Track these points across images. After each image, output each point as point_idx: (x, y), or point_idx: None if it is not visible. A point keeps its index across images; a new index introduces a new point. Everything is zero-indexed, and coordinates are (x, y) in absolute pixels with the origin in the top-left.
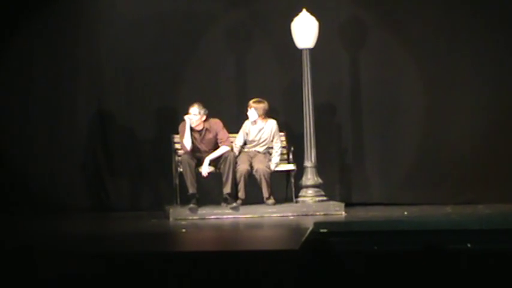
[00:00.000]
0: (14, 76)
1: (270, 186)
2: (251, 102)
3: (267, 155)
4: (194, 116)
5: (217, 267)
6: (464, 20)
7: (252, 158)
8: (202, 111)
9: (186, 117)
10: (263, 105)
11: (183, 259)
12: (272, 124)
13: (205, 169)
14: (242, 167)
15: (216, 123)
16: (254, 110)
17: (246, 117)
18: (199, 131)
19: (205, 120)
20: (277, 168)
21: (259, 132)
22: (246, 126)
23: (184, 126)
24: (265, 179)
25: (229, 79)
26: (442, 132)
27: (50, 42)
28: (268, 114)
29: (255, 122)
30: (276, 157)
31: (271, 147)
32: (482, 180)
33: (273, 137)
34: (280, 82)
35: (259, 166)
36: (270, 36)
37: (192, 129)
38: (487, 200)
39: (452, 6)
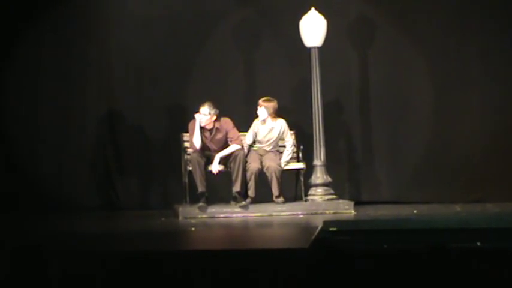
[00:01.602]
0: (23, 76)
1: (280, 184)
2: (261, 101)
3: (277, 153)
4: (204, 116)
5: (226, 265)
6: (473, 19)
7: (262, 156)
8: (212, 112)
9: (196, 115)
10: (273, 104)
11: (192, 257)
12: (281, 123)
13: (216, 167)
14: (253, 166)
15: (226, 122)
16: (264, 109)
17: (255, 116)
18: (210, 130)
19: (215, 120)
20: (286, 167)
21: (269, 132)
22: (256, 125)
23: (194, 124)
24: (276, 177)
25: (238, 78)
26: (451, 131)
27: (59, 41)
28: (277, 113)
29: (264, 121)
30: (286, 156)
31: (281, 146)
32: (491, 178)
33: (283, 136)
34: (289, 81)
35: (270, 164)
36: (278, 34)
37: (202, 128)
38: (496, 199)
39: (462, 5)
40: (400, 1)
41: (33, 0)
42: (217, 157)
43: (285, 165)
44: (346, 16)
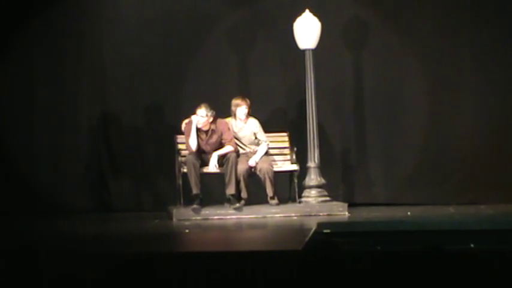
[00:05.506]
0: (17, 77)
1: (274, 185)
2: (239, 100)
3: (269, 154)
4: (201, 118)
5: (220, 267)
6: (467, 21)
7: (249, 158)
8: (209, 113)
9: (193, 117)
10: (249, 101)
11: (186, 260)
12: (253, 122)
13: (213, 165)
14: (240, 167)
15: (222, 124)
16: (245, 108)
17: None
18: (206, 132)
19: (212, 122)
20: (279, 169)
21: (241, 131)
22: (235, 126)
23: (190, 125)
24: (269, 177)
25: (232, 79)
26: (445, 133)
27: (52, 43)
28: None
29: (242, 120)
30: (261, 152)
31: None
32: (485, 180)
33: (256, 135)
34: (283, 83)
35: (262, 165)
36: (272, 36)
37: (198, 129)
38: (490, 201)
39: (455, 7)
40: (394, 3)
41: (26, 1)
42: (215, 155)
43: (254, 164)
44: (340, 18)
